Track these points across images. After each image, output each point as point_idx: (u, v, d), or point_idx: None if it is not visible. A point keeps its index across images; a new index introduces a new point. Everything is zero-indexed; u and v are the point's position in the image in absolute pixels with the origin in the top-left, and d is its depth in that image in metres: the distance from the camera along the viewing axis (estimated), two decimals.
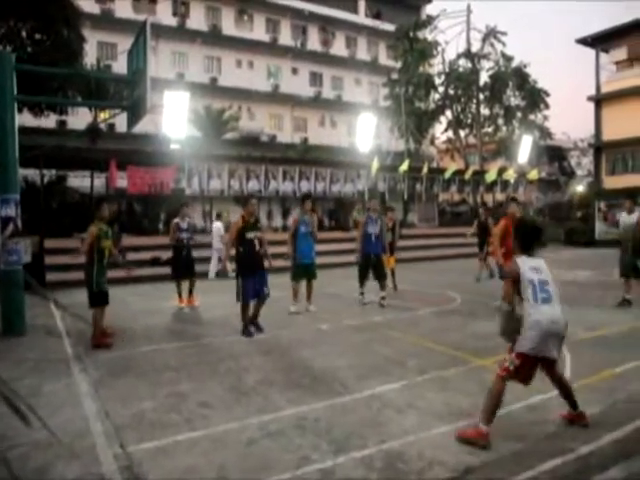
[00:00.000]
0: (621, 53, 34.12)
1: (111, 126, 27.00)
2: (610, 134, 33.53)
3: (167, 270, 15.43)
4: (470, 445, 3.92)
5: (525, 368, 4.17)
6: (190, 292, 10.46)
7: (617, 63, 34.81)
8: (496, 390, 4.15)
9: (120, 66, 23.65)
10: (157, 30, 28.82)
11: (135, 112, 8.98)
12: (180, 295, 10.45)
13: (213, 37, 34.76)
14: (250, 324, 7.87)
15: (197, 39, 34.32)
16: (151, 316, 9.60)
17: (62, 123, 27.52)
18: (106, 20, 30.71)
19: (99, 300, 7.38)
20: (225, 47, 35.30)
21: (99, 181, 19.09)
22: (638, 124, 32.16)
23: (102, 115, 25.20)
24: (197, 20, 34.63)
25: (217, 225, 16.46)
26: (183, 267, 10.49)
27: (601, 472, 3.53)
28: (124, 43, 23.94)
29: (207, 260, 16.21)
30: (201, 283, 14.50)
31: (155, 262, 16.06)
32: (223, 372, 5.99)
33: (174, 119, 16.09)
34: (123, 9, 31.66)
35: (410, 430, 4.25)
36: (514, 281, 4.29)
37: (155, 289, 13.64)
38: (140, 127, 10.92)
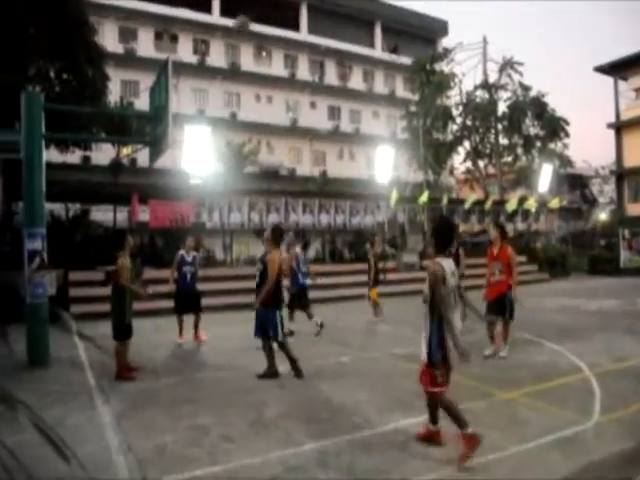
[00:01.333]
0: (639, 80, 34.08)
1: (133, 161, 27.58)
2: (632, 161, 33.24)
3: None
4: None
5: (449, 374, 4.38)
6: (195, 327, 10.26)
7: (636, 90, 34.74)
8: (446, 404, 4.31)
9: (142, 103, 24.28)
10: (178, 68, 29.60)
11: (157, 147, 9.17)
12: (180, 331, 10.20)
13: (232, 73, 35.58)
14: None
15: (217, 76, 35.16)
16: (170, 349, 9.61)
17: (86, 159, 28.17)
18: (129, 59, 31.71)
19: (127, 333, 7.33)
20: (244, 83, 36.06)
21: (121, 215, 19.42)
22: None
23: (125, 150, 25.77)
24: (217, 57, 35.56)
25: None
26: (184, 301, 10.37)
27: None
28: (146, 81, 24.67)
29: (218, 293, 16.18)
30: (214, 315, 14.55)
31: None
32: (242, 405, 5.94)
33: (195, 153, 16.40)
34: (145, 48, 32.70)
35: (434, 466, 4.15)
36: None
37: (174, 322, 13.65)
38: (162, 162, 11.15)
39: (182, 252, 10.52)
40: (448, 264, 4.28)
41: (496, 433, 4.80)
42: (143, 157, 17.34)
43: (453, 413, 4.21)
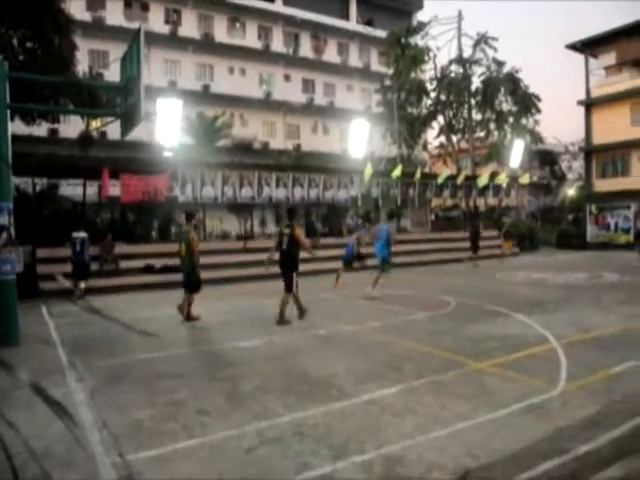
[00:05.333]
0: (610, 58, 34.46)
1: (103, 134, 26.89)
2: (600, 138, 33.81)
3: (161, 278, 15.56)
4: None
5: None
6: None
7: (606, 68, 35.16)
8: None
9: (112, 74, 23.64)
10: (149, 38, 28.57)
11: (129, 120, 8.97)
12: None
13: (205, 45, 34.75)
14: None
15: (189, 47, 34.30)
16: (146, 324, 9.55)
17: (54, 131, 27.39)
18: (97, 28, 30.59)
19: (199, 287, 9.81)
20: (217, 54, 35.30)
21: (92, 189, 19.00)
22: (627, 128, 32.51)
23: (94, 123, 25.13)
24: (189, 28, 34.63)
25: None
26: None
27: (599, 471, 3.57)
28: (116, 51, 23.99)
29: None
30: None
31: (149, 270, 16.03)
32: (220, 379, 5.98)
33: (167, 127, 16.06)
34: (114, 17, 31.60)
35: (408, 434, 4.27)
36: None
37: (149, 297, 13.59)
38: (133, 135, 10.88)
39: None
40: None
41: (467, 402, 4.94)
42: (114, 130, 16.95)
43: None
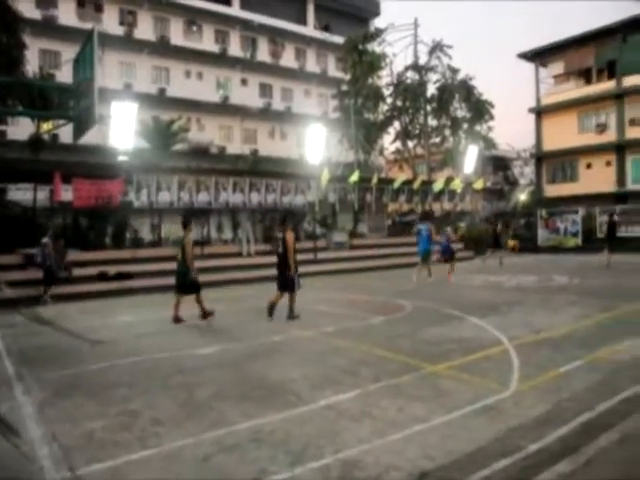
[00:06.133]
0: (558, 68, 35.82)
1: (54, 137, 26.14)
2: (550, 144, 35.04)
3: (116, 285, 15.21)
4: None
5: None
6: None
7: (555, 77, 36.48)
8: None
9: (64, 75, 23.02)
10: (103, 39, 27.91)
11: (82, 123, 8.77)
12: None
13: (161, 47, 34.25)
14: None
15: (145, 49, 33.73)
16: (99, 333, 9.31)
17: (1, 133, 26.47)
18: (48, 27, 29.74)
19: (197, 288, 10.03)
20: (174, 58, 34.84)
21: (43, 194, 18.42)
22: (575, 135, 33.81)
23: (45, 126, 24.38)
24: (145, 30, 34.06)
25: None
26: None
27: (549, 467, 3.67)
28: (69, 51, 23.38)
29: (148, 275, 15.84)
30: (143, 298, 14.27)
31: (102, 277, 15.64)
32: (175, 387, 5.88)
33: (122, 130, 15.75)
34: (67, 16, 30.77)
35: (365, 438, 4.29)
36: None
37: (103, 305, 13.25)
38: (86, 138, 10.64)
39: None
40: None
41: (423, 405, 5.01)
42: (66, 133, 16.51)
43: None
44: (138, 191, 18.57)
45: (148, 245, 19.29)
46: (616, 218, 22.31)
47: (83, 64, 8.72)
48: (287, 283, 9.82)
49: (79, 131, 9.01)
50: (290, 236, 9.93)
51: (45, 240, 13.76)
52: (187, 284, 9.99)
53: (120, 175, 17.98)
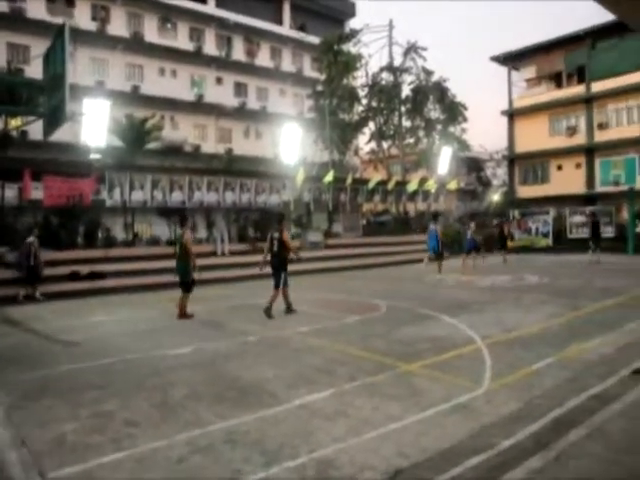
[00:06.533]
0: (530, 71, 36.50)
1: (24, 134, 25.55)
2: (522, 146, 35.67)
3: (88, 285, 14.96)
4: None
5: None
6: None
7: (527, 80, 37.14)
8: None
9: (34, 70, 22.51)
10: (75, 35, 27.40)
11: (53, 120, 8.61)
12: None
13: (135, 44, 33.71)
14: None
15: (118, 46, 33.16)
16: (70, 334, 9.15)
17: None
18: (17, 20, 29.01)
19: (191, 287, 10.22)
20: (147, 55, 34.35)
21: (11, 192, 17.98)
22: (546, 138, 34.49)
23: (13, 122, 23.80)
24: (118, 26, 33.51)
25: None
26: None
27: (521, 463, 3.74)
28: (38, 46, 22.90)
29: (122, 274, 15.67)
30: (116, 297, 14.10)
31: (74, 277, 15.37)
32: (149, 388, 5.82)
33: (94, 128, 15.51)
34: (36, 10, 30.02)
35: (340, 437, 4.31)
36: None
37: (75, 305, 13.03)
38: (57, 136, 10.44)
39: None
40: None
41: (398, 403, 5.05)
42: (35, 129, 16.18)
43: None
44: (111, 190, 18.27)
45: (121, 244, 19.01)
46: (598, 218, 22.94)
47: (54, 59, 8.55)
48: (277, 280, 10.28)
49: (50, 128, 8.84)
50: (286, 236, 10.53)
51: (31, 239, 13.81)
52: (189, 281, 10.24)
53: (92, 173, 17.68)
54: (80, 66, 30.23)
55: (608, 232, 25.46)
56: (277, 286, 10.27)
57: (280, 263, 10.31)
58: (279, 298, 10.28)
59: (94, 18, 32.85)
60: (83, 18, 31.98)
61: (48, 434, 4.57)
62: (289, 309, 10.44)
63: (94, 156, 19.28)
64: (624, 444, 4.08)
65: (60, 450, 4.24)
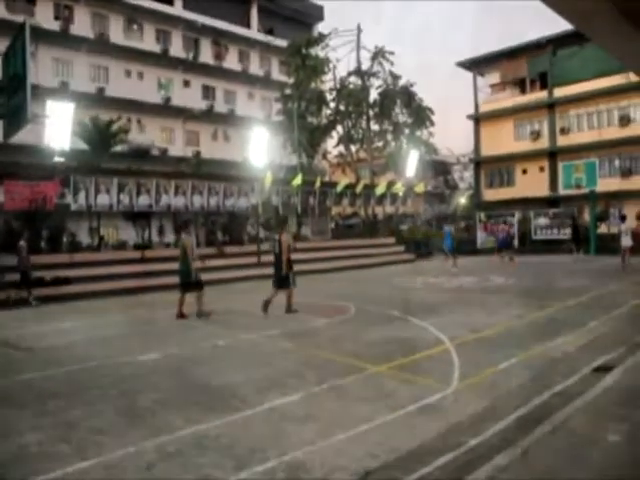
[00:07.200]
0: (495, 77, 37.28)
1: None
2: (488, 150, 36.37)
3: (50, 291, 14.61)
4: None
5: None
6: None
7: (492, 86, 37.91)
8: None
9: None
10: (37, 34, 26.86)
11: (13, 121, 8.41)
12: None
13: (100, 45, 33.13)
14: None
15: (82, 46, 32.54)
16: (32, 341, 8.92)
17: None
18: None
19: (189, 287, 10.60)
20: (113, 56, 33.82)
21: None
22: (511, 142, 35.25)
23: None
24: (82, 26, 32.86)
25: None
26: None
27: (488, 461, 3.81)
28: None
29: (87, 279, 15.37)
30: (84, 303, 13.83)
31: (38, 283, 14.96)
32: (116, 395, 5.72)
33: (58, 130, 15.16)
34: None
35: (310, 440, 4.31)
36: None
37: (37, 312, 12.72)
38: (19, 138, 10.21)
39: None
40: None
41: (367, 405, 5.08)
42: None
43: None
44: (75, 193, 17.91)
45: (87, 249, 18.65)
46: (578, 221, 23.66)
47: (14, 59, 8.35)
48: (283, 281, 10.63)
49: (10, 130, 8.64)
50: (285, 237, 10.72)
51: (21, 243, 13.81)
52: (191, 282, 10.57)
53: (56, 176, 17.30)
54: (43, 67, 29.60)
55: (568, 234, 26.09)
56: (280, 286, 10.67)
57: (281, 263, 10.64)
58: (278, 297, 10.58)
59: (57, 17, 32.19)
60: (45, 17, 31.27)
61: (9, 446, 4.43)
62: (289, 309, 10.68)
63: (58, 159, 18.85)
64: (587, 439, 4.19)
65: (22, 461, 4.13)
